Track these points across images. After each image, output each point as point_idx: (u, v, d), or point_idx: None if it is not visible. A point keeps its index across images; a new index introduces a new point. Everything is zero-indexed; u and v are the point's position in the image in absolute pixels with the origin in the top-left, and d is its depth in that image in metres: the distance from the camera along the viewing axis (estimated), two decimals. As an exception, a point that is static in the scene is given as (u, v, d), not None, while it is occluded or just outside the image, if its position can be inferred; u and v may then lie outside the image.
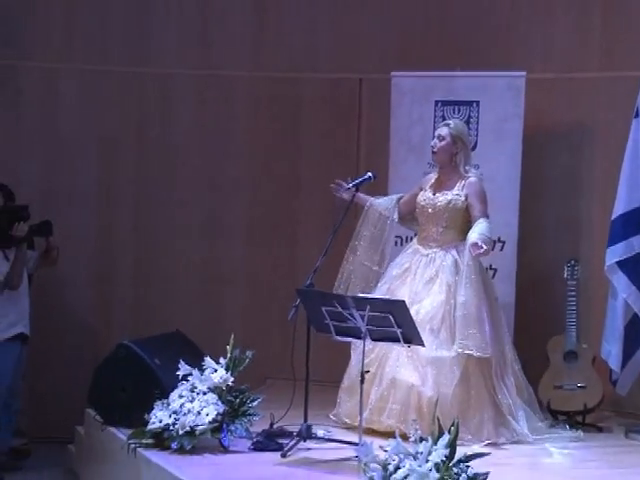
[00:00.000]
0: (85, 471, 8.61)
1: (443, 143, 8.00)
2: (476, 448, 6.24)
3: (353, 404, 7.81)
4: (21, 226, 8.68)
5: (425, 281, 8.07)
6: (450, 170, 8.09)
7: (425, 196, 8.07)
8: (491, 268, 8.56)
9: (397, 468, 5.53)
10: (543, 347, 8.70)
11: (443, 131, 8.06)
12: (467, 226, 7.94)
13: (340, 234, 7.93)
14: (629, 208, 8.40)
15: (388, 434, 5.97)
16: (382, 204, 8.29)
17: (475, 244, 7.64)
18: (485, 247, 7.65)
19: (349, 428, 7.74)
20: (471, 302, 7.84)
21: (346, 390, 7.98)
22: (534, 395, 8.28)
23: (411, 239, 8.47)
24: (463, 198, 7.99)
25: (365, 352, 7.43)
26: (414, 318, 7.34)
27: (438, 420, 5.62)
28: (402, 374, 7.88)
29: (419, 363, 7.84)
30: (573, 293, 8.60)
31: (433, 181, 8.17)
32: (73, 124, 9.85)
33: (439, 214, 8.03)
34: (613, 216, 8.47)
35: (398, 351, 7.82)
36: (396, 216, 8.31)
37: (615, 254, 8.39)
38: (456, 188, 8.07)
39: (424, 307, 7.91)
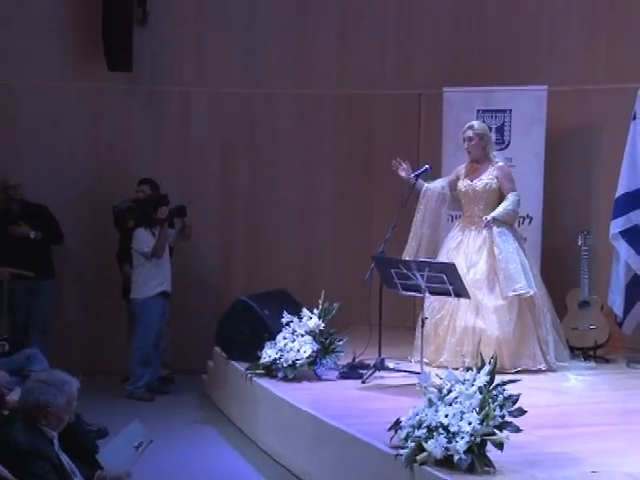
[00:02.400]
0: (214, 394, 9.00)
1: (473, 142, 8.23)
2: (512, 376, 6.23)
3: (432, 350, 8.12)
4: (163, 210, 8.98)
5: (476, 249, 8.15)
6: (483, 159, 8.26)
7: (465, 183, 8.28)
8: (522, 237, 8.43)
9: (449, 391, 5.56)
10: (562, 298, 8.86)
11: (469, 133, 8.25)
12: (499, 203, 8.16)
13: (403, 215, 8.11)
14: (628, 190, 8.63)
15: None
16: (437, 186, 8.37)
17: (490, 218, 7.95)
18: (487, 221, 7.94)
19: (428, 365, 7.74)
20: (510, 257, 8.02)
21: (424, 339, 7.86)
22: (561, 331, 8.47)
23: (458, 216, 8.56)
24: (495, 180, 8.16)
25: (433, 307, 7.84)
26: (475, 278, 7.84)
27: (481, 354, 5.63)
28: (473, 322, 8.01)
29: (485, 312, 8.01)
30: (586, 256, 8.82)
31: (466, 169, 8.34)
32: (202, 136, 10.17)
33: (479, 196, 8.23)
34: (616, 196, 8.67)
35: (465, 306, 7.99)
36: (449, 195, 8.31)
37: (617, 225, 8.63)
38: (488, 172, 8.20)
39: (480, 269, 8.07)
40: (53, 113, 9.68)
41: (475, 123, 8.34)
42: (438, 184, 8.37)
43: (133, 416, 5.74)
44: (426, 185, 8.34)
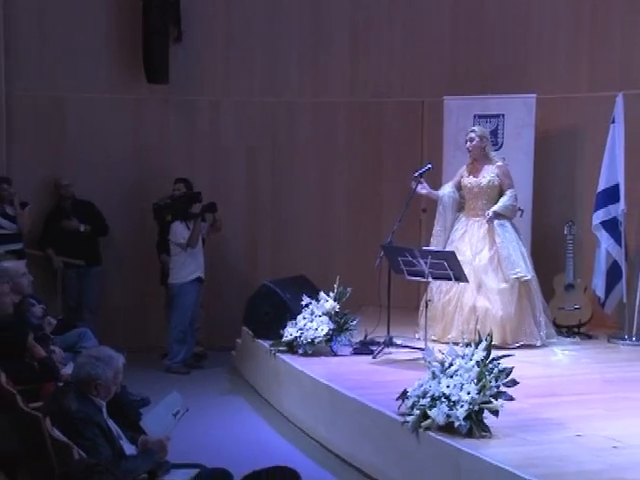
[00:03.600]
0: (242, 368, 9.03)
1: (474, 142, 8.22)
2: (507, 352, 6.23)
3: (439, 328, 8.14)
4: (196, 206, 8.89)
5: (480, 238, 8.16)
6: (483, 158, 8.25)
7: (470, 180, 8.28)
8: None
9: (450, 365, 5.60)
10: (550, 282, 8.88)
11: (471, 135, 8.24)
12: (499, 197, 8.19)
13: (409, 209, 8.15)
14: (607, 186, 8.64)
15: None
16: (450, 191, 8.34)
17: (492, 212, 8.00)
18: (490, 216, 7.99)
19: (436, 342, 7.75)
20: (510, 245, 8.05)
21: (431, 319, 7.94)
22: (548, 311, 8.51)
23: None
24: (497, 177, 8.17)
25: (444, 291, 7.90)
26: (480, 264, 7.85)
27: (478, 332, 5.65)
28: (479, 302, 8.01)
29: (489, 294, 8.02)
30: (571, 244, 8.86)
31: (468, 169, 8.32)
32: (229, 140, 10.16)
33: (483, 191, 8.24)
34: (597, 191, 8.69)
35: (471, 289, 7.97)
36: (457, 196, 8.33)
37: (599, 217, 8.66)
38: (490, 171, 8.20)
39: (484, 255, 8.07)
40: (100, 121, 9.69)
41: (477, 127, 8.36)
42: (450, 190, 8.35)
43: (171, 387, 5.74)
44: (441, 193, 8.34)
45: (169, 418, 5.05)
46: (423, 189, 8.18)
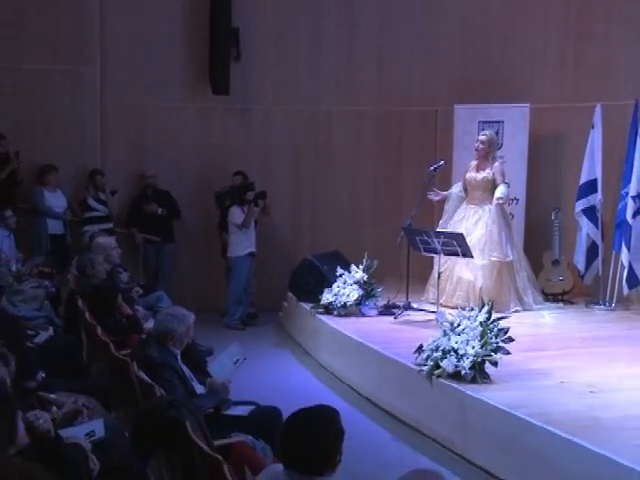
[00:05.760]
0: (287, 326, 9.01)
1: (484, 145, 8.17)
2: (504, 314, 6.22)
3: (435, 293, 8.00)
4: (250, 194, 8.90)
5: (474, 222, 8.10)
6: (486, 159, 8.17)
7: (472, 175, 8.24)
8: (510, 214, 8.42)
9: (458, 325, 5.61)
10: (539, 258, 8.81)
11: (483, 137, 8.20)
12: (493, 191, 8.09)
13: (424, 199, 8.18)
14: (587, 180, 8.54)
15: (456, 308, 6.03)
16: (457, 191, 8.30)
17: (499, 198, 7.89)
18: (503, 200, 7.95)
19: (433, 304, 7.72)
20: (495, 230, 7.95)
21: (432, 284, 8.00)
22: (536, 282, 8.44)
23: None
24: (492, 174, 8.10)
25: (440, 263, 7.77)
26: (470, 243, 7.71)
27: (482, 299, 5.69)
28: (465, 274, 8.01)
29: (474, 268, 7.96)
30: (557, 228, 8.79)
31: (474, 165, 8.26)
32: (278, 140, 10.10)
33: (480, 184, 8.12)
34: (579, 184, 8.59)
35: (461, 263, 7.95)
36: (464, 193, 8.27)
37: (580, 205, 8.58)
38: (488, 169, 8.13)
39: (475, 236, 7.98)
40: (175, 125, 9.68)
41: (488, 132, 8.27)
42: (457, 189, 8.28)
43: (231, 340, 5.79)
44: (449, 192, 8.27)
45: (230, 365, 5.07)
46: (436, 196, 8.13)
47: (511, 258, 7.97)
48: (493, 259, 7.88)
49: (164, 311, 5.16)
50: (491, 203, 7.98)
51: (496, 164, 8.15)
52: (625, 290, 8.02)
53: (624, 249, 7.95)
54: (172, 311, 4.99)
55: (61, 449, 3.05)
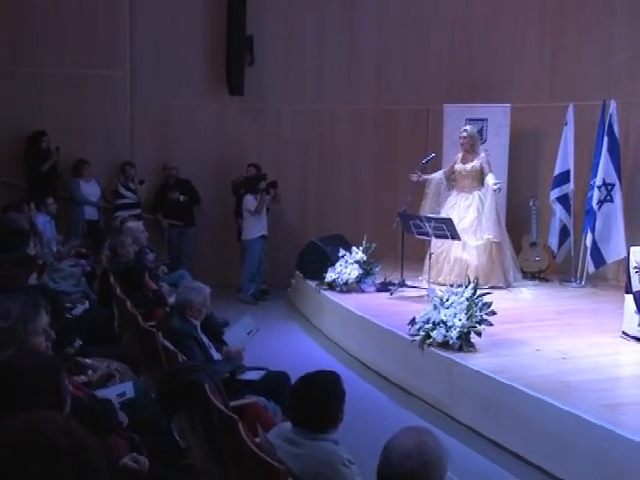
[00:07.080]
0: (295, 301, 8.97)
1: (467, 139, 8.00)
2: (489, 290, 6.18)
3: (435, 272, 7.94)
4: (262, 183, 8.87)
5: (466, 207, 8.02)
6: (471, 151, 8.07)
7: (460, 166, 8.12)
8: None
9: (447, 299, 5.59)
10: (519, 240, 8.76)
11: (465, 133, 8.09)
12: (481, 179, 7.99)
13: (417, 186, 8.07)
14: (561, 171, 8.47)
15: (452, 285, 5.98)
16: (437, 176, 8.18)
17: (496, 183, 7.76)
18: (500, 184, 7.89)
19: (432, 283, 7.58)
20: (487, 212, 7.88)
21: (428, 264, 7.80)
22: (517, 262, 8.39)
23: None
24: (479, 164, 7.99)
25: (436, 245, 7.74)
26: (463, 227, 7.70)
27: (468, 277, 5.61)
28: (461, 254, 7.90)
29: (468, 249, 7.90)
30: (534, 214, 8.75)
31: (461, 158, 8.14)
32: (288, 136, 9.99)
33: (469, 173, 8.04)
34: (553, 175, 8.51)
35: (456, 245, 7.82)
36: (444, 180, 8.12)
37: (555, 193, 8.51)
38: (475, 160, 8.02)
39: (467, 220, 7.92)
40: (195, 122, 9.59)
41: (468, 127, 8.15)
42: (438, 175, 8.16)
43: (245, 313, 5.79)
44: (431, 177, 8.14)
45: (244, 335, 5.07)
46: (417, 178, 8.00)
47: (499, 240, 7.93)
48: (486, 237, 7.79)
49: (183, 285, 5.19)
50: (479, 190, 7.92)
51: (482, 155, 8.02)
52: (591, 268, 7.98)
53: (589, 233, 7.89)
54: (190, 284, 5.03)
55: (94, 403, 3.08)
